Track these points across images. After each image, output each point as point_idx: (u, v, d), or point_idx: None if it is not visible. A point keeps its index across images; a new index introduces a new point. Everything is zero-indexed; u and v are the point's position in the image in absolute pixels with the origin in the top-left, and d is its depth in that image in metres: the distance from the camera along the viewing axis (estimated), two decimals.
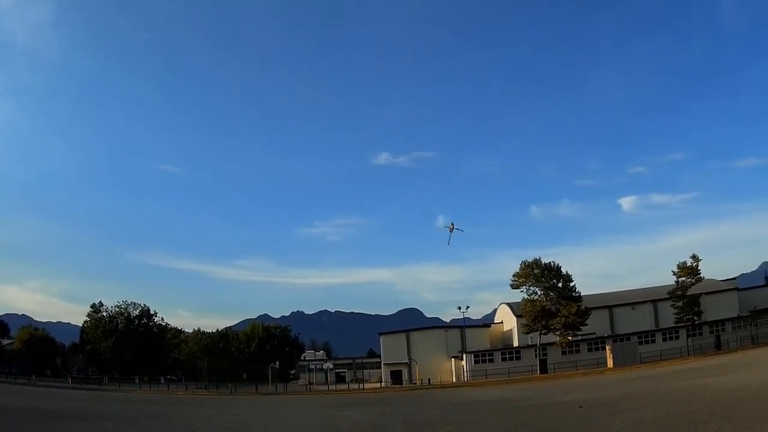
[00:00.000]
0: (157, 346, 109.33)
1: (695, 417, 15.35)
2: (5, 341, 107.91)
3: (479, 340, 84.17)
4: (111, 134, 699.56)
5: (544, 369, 68.12)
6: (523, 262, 70.16)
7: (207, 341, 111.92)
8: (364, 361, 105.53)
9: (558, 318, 66.64)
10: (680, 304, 67.85)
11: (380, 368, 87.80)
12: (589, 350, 70.09)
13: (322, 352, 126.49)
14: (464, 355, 75.48)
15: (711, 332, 68.70)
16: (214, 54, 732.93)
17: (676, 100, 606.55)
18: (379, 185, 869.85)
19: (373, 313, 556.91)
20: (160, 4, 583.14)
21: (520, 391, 41.63)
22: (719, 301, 74.33)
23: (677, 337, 68.21)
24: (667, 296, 70.32)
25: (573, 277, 69.57)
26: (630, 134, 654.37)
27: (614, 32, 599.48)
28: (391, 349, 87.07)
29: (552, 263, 69.76)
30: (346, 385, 78.84)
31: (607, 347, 67.39)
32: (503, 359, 72.81)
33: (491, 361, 72.93)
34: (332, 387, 76.09)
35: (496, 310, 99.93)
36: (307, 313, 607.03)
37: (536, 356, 69.94)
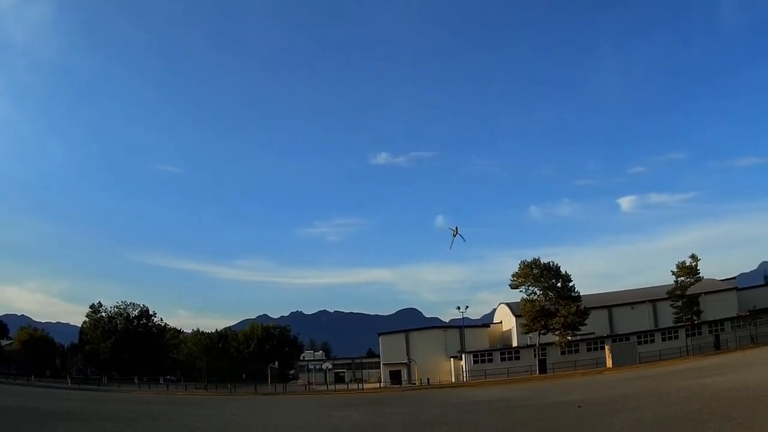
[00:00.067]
0: (156, 347, 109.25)
1: (694, 417, 15.36)
2: (4, 342, 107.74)
3: (478, 340, 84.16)
4: (111, 134, 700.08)
5: (543, 369, 68.13)
6: (522, 262, 70.23)
7: (206, 341, 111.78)
8: (363, 361, 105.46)
9: (557, 318, 66.68)
10: (679, 303, 67.92)
11: (379, 368, 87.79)
12: (588, 350, 70.11)
13: (321, 352, 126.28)
14: (463, 355, 75.47)
15: (710, 332, 68.75)
16: (214, 54, 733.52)
17: (676, 100, 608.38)
18: (378, 185, 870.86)
19: (372, 313, 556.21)
20: (160, 4, 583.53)
21: (519, 391, 41.64)
22: (718, 301, 74.43)
23: (676, 337, 68.25)
24: (667, 296, 70.42)
25: (572, 277, 69.81)
26: (630, 134, 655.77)
27: (614, 32, 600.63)
28: (390, 349, 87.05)
29: (551, 263, 69.86)
30: (345, 386, 78.78)
31: (606, 347, 67.41)
32: (502, 359, 72.80)
33: (490, 361, 72.93)
34: (331, 387, 76.08)
35: (495, 310, 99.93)
36: (306, 313, 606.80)
37: (535, 356, 69.94)
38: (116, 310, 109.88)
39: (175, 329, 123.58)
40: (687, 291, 67.56)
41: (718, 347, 65.01)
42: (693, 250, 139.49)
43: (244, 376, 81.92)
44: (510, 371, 68.54)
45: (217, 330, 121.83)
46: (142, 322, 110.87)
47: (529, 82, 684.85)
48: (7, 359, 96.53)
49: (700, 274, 67.70)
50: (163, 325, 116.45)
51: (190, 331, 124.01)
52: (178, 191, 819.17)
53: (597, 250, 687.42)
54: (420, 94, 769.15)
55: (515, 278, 70.22)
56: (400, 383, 79.05)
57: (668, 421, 15.29)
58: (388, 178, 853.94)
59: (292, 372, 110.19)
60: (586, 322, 68.09)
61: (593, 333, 72.27)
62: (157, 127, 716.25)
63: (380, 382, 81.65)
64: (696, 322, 68.18)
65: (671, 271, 68.89)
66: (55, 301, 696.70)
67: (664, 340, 68.69)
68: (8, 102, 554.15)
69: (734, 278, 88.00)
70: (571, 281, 69.43)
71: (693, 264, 67.20)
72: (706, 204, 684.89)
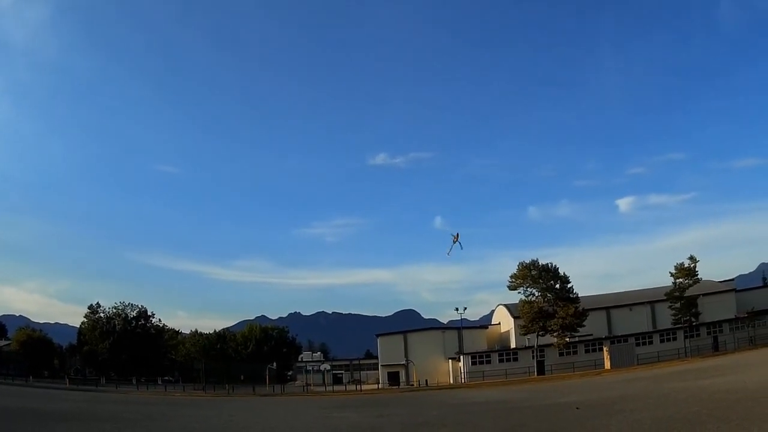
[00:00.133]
0: (155, 348, 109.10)
1: (693, 418, 15.38)
2: (3, 342, 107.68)
3: (476, 342, 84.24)
4: (110, 134, 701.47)
5: (541, 370, 68.18)
6: (521, 264, 70.30)
7: (204, 342, 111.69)
8: (362, 362, 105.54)
9: (555, 319, 66.71)
10: (678, 305, 67.95)
11: (377, 369, 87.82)
12: (587, 351, 70.19)
13: (319, 353, 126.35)
14: (461, 357, 75.48)
15: (708, 333, 68.87)
16: (214, 54, 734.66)
17: (676, 100, 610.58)
18: (378, 186, 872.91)
19: (371, 314, 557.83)
20: (160, 5, 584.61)
21: (518, 392, 41.62)
22: (717, 303, 74.49)
23: (675, 339, 68.36)
24: (665, 297, 70.41)
25: (571, 278, 69.81)
26: (629, 134, 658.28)
27: (614, 32, 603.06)
28: (388, 350, 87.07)
29: (549, 264, 69.92)
30: (344, 387, 78.78)
31: (605, 348, 67.43)
32: (500, 360, 72.82)
33: (488, 362, 72.97)
34: (329, 388, 76.04)
35: (493, 311, 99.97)
36: (304, 314, 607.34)
37: (533, 357, 69.98)
38: (114, 310, 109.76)
39: (173, 330, 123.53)
40: (685, 292, 67.58)
41: (716, 349, 65.10)
42: (692, 251, 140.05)
43: (242, 377, 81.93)
44: (508, 373, 68.54)
45: (215, 331, 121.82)
46: (140, 322, 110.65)
47: (529, 82, 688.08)
48: (5, 360, 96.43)
49: (699, 276, 67.76)
50: (161, 325, 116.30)
51: (188, 331, 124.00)
52: (177, 191, 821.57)
53: (596, 251, 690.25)
54: (420, 94, 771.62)
55: (513, 279, 70.28)
56: (399, 384, 79.10)
57: (666, 422, 15.30)
58: (387, 178, 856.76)
59: (290, 373, 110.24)
60: (584, 323, 68.12)
61: (591, 334, 72.31)
62: (156, 127, 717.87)
63: (378, 383, 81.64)
64: (694, 323, 68.22)
65: (669, 272, 68.93)
66: (54, 302, 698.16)
67: (662, 341, 68.79)
68: (8, 102, 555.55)
69: (733, 280, 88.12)
70: (570, 282, 69.59)
71: (691, 265, 67.23)
72: (705, 204, 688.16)
